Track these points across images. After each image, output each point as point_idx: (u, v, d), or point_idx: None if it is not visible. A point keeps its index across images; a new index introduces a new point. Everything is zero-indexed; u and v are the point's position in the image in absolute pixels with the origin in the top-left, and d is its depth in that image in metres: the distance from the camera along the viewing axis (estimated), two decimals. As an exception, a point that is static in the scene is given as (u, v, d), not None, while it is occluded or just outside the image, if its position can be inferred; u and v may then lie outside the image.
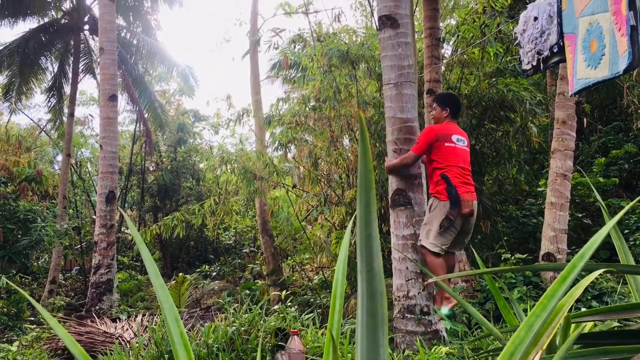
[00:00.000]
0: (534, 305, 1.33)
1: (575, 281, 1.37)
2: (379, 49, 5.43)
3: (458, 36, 9.05)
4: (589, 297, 6.16)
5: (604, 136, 12.38)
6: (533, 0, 4.90)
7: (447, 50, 10.45)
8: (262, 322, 5.38)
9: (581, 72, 4.04)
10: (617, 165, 10.96)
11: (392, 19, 5.04)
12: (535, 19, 4.75)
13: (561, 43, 4.39)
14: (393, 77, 5.02)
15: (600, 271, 1.66)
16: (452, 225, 4.66)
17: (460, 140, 4.85)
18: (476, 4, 9.10)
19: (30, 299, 1.50)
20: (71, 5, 16.38)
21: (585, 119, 12.18)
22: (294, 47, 11.64)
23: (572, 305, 1.44)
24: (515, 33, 5.21)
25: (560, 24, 4.38)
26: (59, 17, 16.59)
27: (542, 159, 11.70)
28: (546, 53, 4.62)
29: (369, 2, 15.10)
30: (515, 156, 9.89)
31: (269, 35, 12.36)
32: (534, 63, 4.82)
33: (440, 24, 8.83)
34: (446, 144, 4.75)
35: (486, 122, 9.25)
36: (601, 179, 10.04)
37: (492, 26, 8.33)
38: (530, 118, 9.05)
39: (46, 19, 16.30)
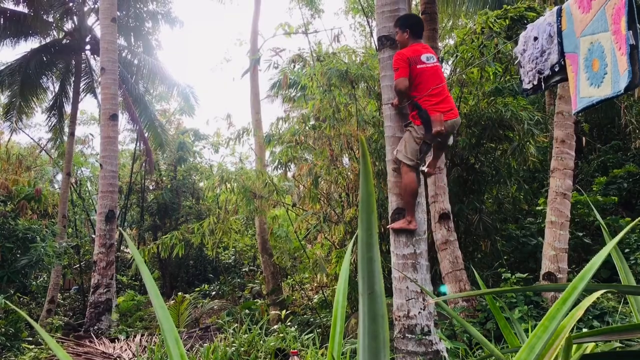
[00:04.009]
0: (535, 325, 1.33)
1: (577, 302, 1.37)
2: (378, 68, 5.47)
3: (457, 56, 9.11)
4: (590, 317, 6.12)
5: (603, 155, 12.41)
6: (532, 21, 4.95)
7: (445, 70, 10.52)
8: (261, 342, 5.35)
9: (584, 91, 4.07)
10: (616, 184, 10.96)
11: (391, 39, 5.08)
12: (535, 38, 4.79)
13: (562, 62, 4.42)
14: (392, 97, 5.04)
15: (601, 292, 1.66)
16: (429, 146, 4.89)
17: (430, 59, 4.85)
18: (474, 25, 9.17)
19: (29, 318, 1.50)
20: (73, 26, 16.52)
21: (584, 138, 12.23)
22: (294, 66, 11.73)
23: (574, 325, 1.44)
24: (515, 53, 5.26)
25: (560, 44, 4.41)
26: (60, 37, 16.73)
27: (541, 178, 11.71)
28: (547, 72, 4.65)
29: (368, 22, 15.25)
30: (515, 175, 9.90)
31: (269, 54, 12.48)
32: (535, 82, 4.85)
33: (439, 44, 8.90)
34: (418, 67, 4.75)
35: (485, 141, 9.28)
36: (600, 198, 10.04)
37: (490, 46, 8.40)
38: (527, 138, 9.07)
39: (48, 39, 16.44)
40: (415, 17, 5.27)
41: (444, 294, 7.10)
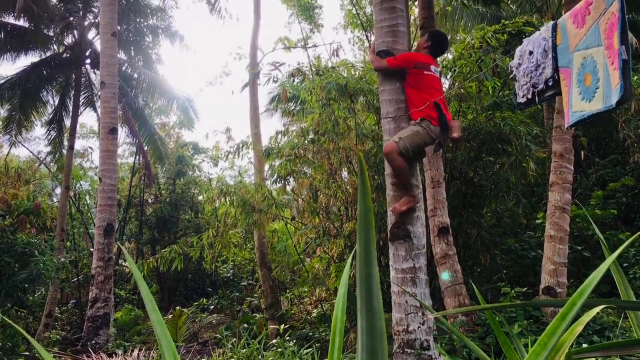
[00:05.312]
0: (534, 339, 1.33)
1: (577, 317, 1.37)
2: (377, 82, 5.49)
3: (455, 70, 9.15)
4: (590, 332, 6.10)
5: (602, 169, 12.42)
6: (530, 35, 5.00)
7: (444, 83, 10.56)
8: (260, 357, 5.32)
9: (576, 105, 4.09)
10: (615, 199, 10.96)
11: (390, 54, 5.10)
12: (531, 53, 4.82)
13: (556, 76, 4.45)
14: (391, 111, 5.06)
15: (601, 307, 1.65)
16: (441, 146, 5.11)
17: (435, 71, 5.03)
18: (472, 39, 9.22)
19: (25, 333, 1.49)
20: (73, 40, 16.60)
21: (582, 152, 12.25)
22: (293, 80, 11.76)
23: (574, 340, 1.43)
24: (510, 67, 5.30)
25: (555, 58, 4.45)
26: (60, 51, 16.79)
27: (540, 192, 11.71)
28: (541, 86, 4.68)
29: (367, 37, 15.34)
30: (514, 189, 9.89)
31: (269, 68, 12.49)
32: (529, 96, 4.88)
33: (438, 59, 8.92)
34: (426, 72, 4.88)
35: (484, 155, 9.29)
36: (598, 211, 10.03)
37: (487, 61, 8.43)
38: (525, 153, 9.08)
39: (48, 53, 16.49)
40: (443, 39, 5.41)
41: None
